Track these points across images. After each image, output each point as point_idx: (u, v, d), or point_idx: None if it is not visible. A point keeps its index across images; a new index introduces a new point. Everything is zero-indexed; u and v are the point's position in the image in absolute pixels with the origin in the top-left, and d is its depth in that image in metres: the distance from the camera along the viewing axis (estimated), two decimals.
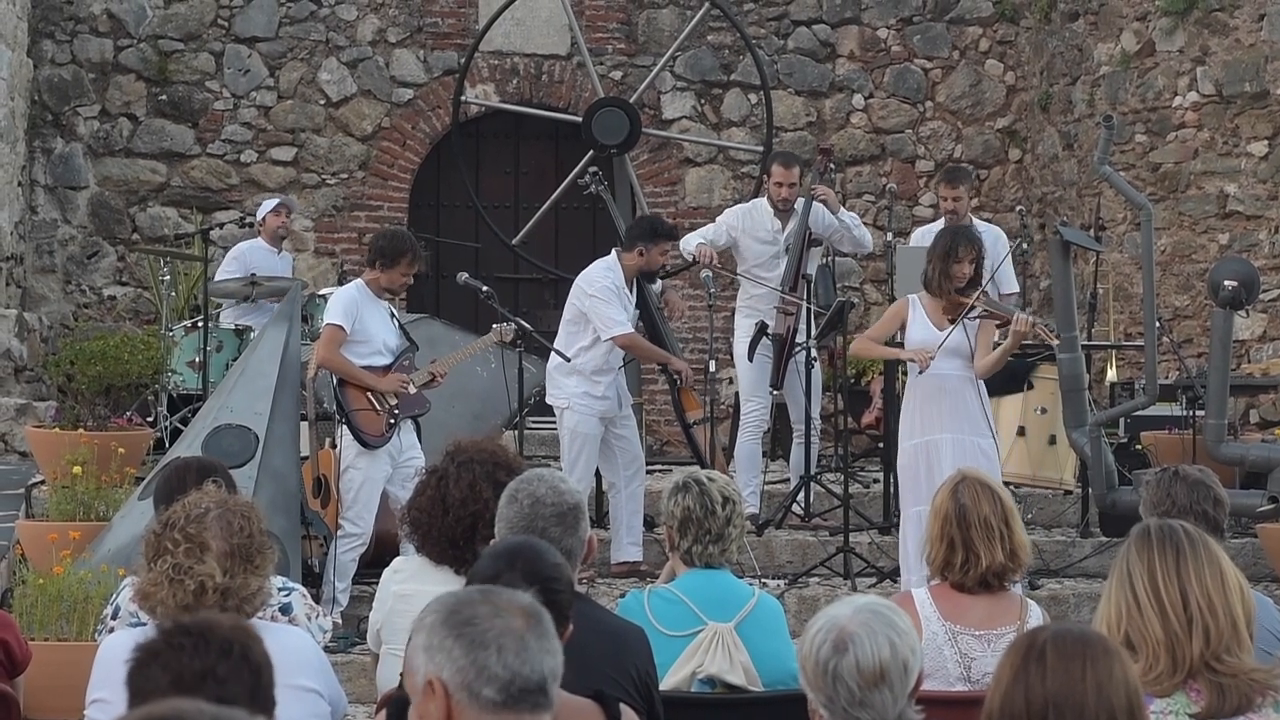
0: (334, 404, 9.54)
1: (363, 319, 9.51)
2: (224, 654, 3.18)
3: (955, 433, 8.94)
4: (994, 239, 11.00)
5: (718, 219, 11.47)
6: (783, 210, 11.13)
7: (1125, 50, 13.89)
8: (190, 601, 4.43)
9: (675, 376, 10.58)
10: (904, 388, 12.60)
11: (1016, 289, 11.58)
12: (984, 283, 9.21)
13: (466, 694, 2.87)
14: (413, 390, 9.57)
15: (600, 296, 10.22)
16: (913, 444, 9.06)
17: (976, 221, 11.52)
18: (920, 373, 9.08)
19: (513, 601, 3.00)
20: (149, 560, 4.54)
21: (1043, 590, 9.92)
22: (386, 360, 9.59)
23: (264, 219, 12.92)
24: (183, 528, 4.51)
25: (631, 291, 10.46)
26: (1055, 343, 9.51)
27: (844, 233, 11.17)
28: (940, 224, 11.92)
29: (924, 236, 11.96)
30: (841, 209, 11.37)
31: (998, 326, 9.19)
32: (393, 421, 9.50)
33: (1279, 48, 13.08)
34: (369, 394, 9.46)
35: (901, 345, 9.31)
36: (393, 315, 9.80)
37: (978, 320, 9.09)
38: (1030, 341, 9.35)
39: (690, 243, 11.07)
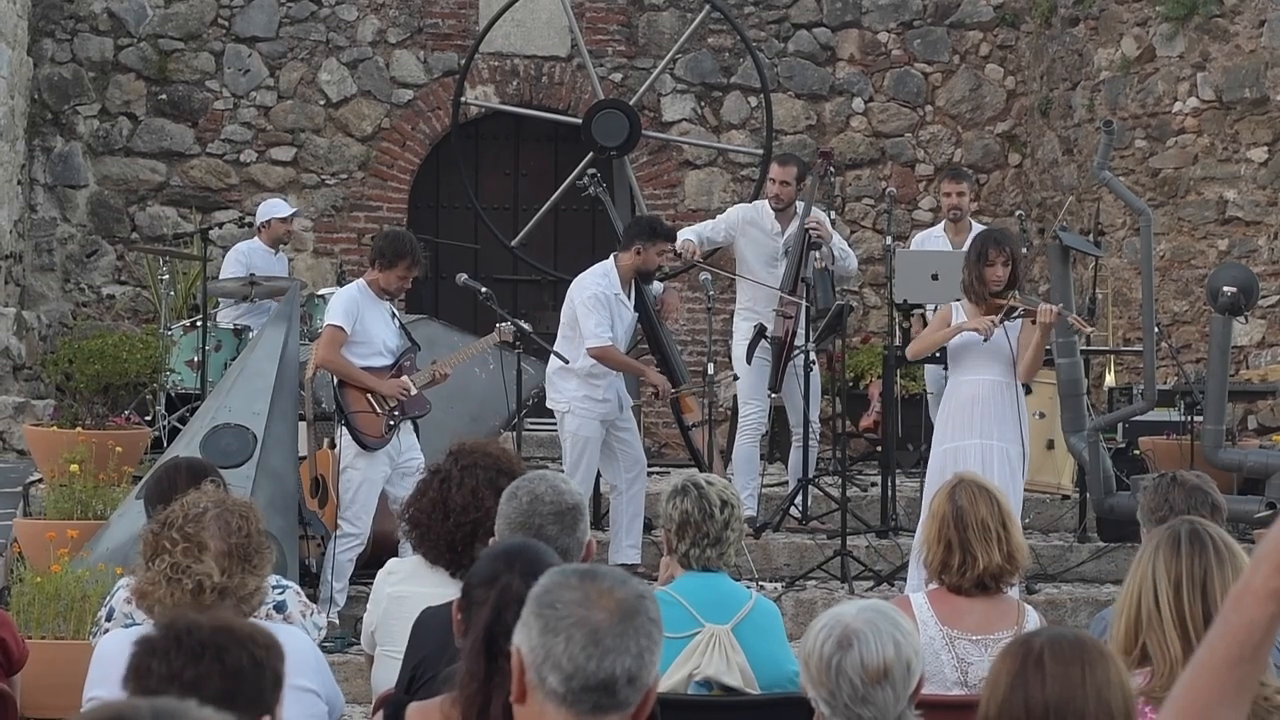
0: (333, 404, 9.54)
1: (363, 320, 9.50)
2: (194, 659, 3.16)
3: (984, 438, 8.84)
4: None
5: (719, 215, 11.45)
6: (781, 211, 11.11)
7: (1125, 55, 13.89)
8: (188, 601, 4.43)
9: (652, 390, 10.41)
10: (904, 392, 12.73)
11: None
12: (1018, 283, 9.09)
13: (536, 676, 2.85)
14: (414, 392, 9.56)
15: (586, 305, 10.16)
16: (942, 449, 8.93)
17: (975, 225, 11.52)
18: (985, 340, 8.85)
19: (610, 591, 2.88)
20: (147, 559, 4.54)
21: (1040, 595, 9.92)
22: (387, 361, 9.58)
23: (269, 223, 12.73)
24: (181, 527, 4.51)
25: (629, 294, 10.42)
26: (1089, 331, 9.32)
27: (832, 256, 11.04)
28: (939, 228, 11.94)
29: (923, 241, 11.99)
30: (835, 235, 11.24)
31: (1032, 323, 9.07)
32: (392, 423, 9.49)
33: (1279, 54, 13.08)
34: (369, 395, 9.45)
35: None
36: (394, 315, 9.79)
37: (1018, 321, 8.95)
38: (1064, 337, 9.21)
39: (678, 237, 10.87)
